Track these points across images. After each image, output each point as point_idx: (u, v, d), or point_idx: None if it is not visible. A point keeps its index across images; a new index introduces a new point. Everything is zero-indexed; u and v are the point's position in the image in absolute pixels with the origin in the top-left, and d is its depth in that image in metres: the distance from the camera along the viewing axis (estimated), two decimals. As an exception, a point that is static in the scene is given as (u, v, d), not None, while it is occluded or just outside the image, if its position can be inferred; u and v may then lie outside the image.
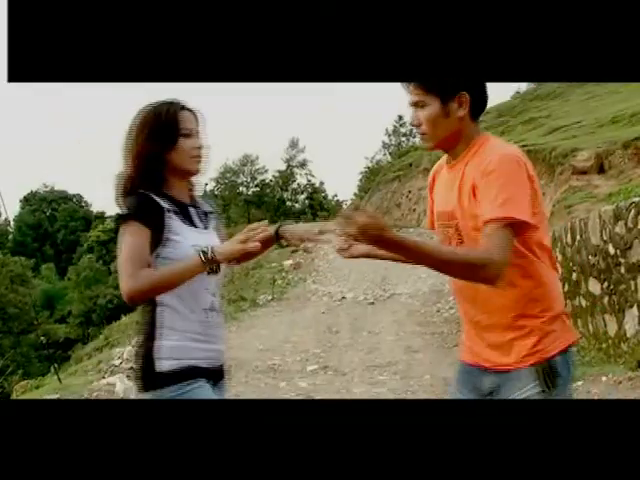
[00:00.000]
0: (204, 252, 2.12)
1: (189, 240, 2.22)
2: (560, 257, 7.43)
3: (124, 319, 39.72)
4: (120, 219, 2.21)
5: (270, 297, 16.38)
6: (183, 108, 2.30)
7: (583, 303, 6.63)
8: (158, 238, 2.19)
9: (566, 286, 7.26)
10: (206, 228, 2.39)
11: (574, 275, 6.85)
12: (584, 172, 16.05)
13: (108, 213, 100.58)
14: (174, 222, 2.23)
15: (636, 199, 5.34)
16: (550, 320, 2.16)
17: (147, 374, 2.24)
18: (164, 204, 2.23)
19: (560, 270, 7.45)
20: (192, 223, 2.32)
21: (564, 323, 2.22)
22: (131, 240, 2.15)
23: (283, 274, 20.09)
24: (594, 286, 6.24)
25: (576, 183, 15.72)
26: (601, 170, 15.91)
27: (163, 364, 2.20)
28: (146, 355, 2.24)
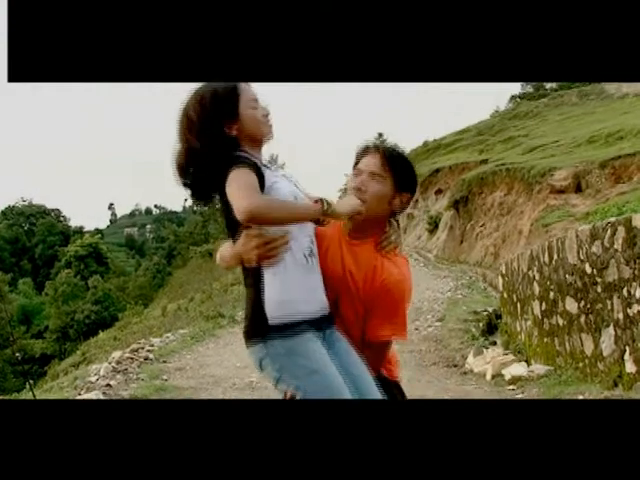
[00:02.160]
0: (327, 202, 2.19)
1: (286, 187, 2.29)
2: (537, 276, 7.47)
3: (101, 335, 39.48)
4: (231, 166, 2.19)
5: (249, 314, 16.29)
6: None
7: (560, 322, 6.66)
8: (261, 188, 2.22)
9: (543, 305, 7.30)
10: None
11: (551, 294, 6.89)
12: (562, 191, 16.21)
13: (87, 228, 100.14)
14: (268, 172, 2.29)
15: (612, 219, 5.38)
16: None
17: (257, 325, 2.25)
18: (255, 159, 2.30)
19: (538, 289, 7.50)
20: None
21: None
22: (245, 176, 2.16)
23: (262, 290, 19.99)
24: (571, 305, 6.27)
25: (554, 202, 15.87)
26: (578, 189, 16.08)
27: (273, 319, 2.23)
28: (255, 306, 2.26)
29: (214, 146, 2.26)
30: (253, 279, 2.28)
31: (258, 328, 2.24)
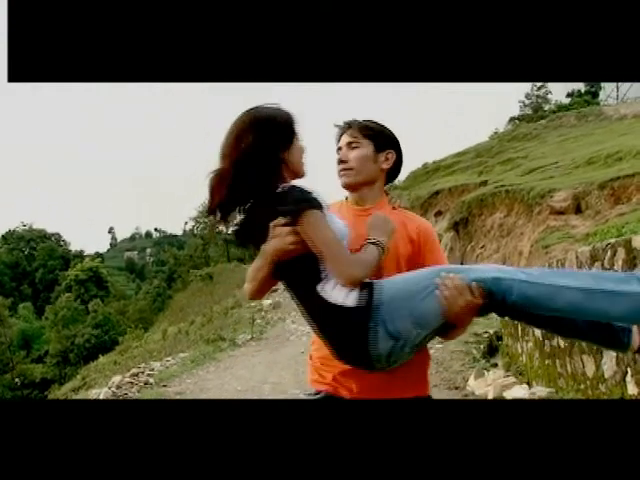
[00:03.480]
0: (379, 244, 2.20)
1: (337, 220, 2.22)
2: (538, 297, 7.45)
3: (101, 359, 39.27)
4: (300, 210, 2.09)
5: (249, 337, 16.27)
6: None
7: (561, 344, 6.63)
8: None
9: (544, 326, 7.27)
10: None
11: (552, 315, 6.87)
12: (561, 212, 16.23)
13: (87, 252, 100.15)
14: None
15: (612, 240, 5.38)
16: None
17: (351, 332, 2.11)
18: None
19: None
20: None
21: None
22: (325, 226, 2.11)
23: (262, 313, 20.01)
24: (572, 326, 6.25)
25: (553, 223, 15.88)
26: (578, 210, 16.09)
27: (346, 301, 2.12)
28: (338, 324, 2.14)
29: (268, 173, 2.17)
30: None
31: (355, 328, 2.10)
